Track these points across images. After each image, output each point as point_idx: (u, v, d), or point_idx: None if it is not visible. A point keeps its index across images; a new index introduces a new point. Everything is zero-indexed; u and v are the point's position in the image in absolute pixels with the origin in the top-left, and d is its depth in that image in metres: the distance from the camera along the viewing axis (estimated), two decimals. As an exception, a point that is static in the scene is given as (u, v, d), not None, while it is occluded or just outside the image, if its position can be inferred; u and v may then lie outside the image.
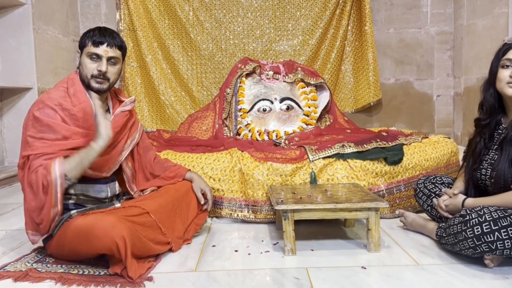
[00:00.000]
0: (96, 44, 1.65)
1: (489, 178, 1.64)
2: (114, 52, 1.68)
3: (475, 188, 1.72)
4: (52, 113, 1.59)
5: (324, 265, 1.60)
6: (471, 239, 1.48)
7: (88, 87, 1.68)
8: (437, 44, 4.08)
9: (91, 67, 1.66)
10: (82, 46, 1.68)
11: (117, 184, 1.84)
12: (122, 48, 1.73)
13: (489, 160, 1.67)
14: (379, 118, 4.13)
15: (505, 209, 1.48)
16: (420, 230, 1.91)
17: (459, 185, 1.79)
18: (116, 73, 1.72)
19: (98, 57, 1.66)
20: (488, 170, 1.65)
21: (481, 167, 1.68)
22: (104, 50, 1.66)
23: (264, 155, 2.24)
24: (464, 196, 1.69)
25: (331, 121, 3.10)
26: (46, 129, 1.57)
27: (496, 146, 1.66)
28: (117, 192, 1.85)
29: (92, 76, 1.66)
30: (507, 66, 1.60)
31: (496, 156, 1.62)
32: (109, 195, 1.78)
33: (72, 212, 1.64)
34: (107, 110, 1.81)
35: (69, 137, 1.59)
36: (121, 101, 1.84)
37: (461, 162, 1.89)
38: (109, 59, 1.67)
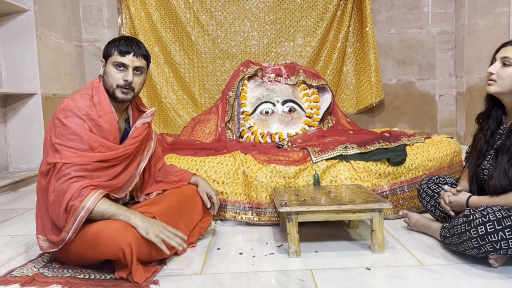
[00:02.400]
0: (123, 53, 1.63)
1: (488, 179, 1.63)
2: (139, 62, 1.67)
3: (478, 184, 1.72)
4: (80, 122, 1.57)
5: (328, 266, 1.61)
6: (475, 239, 1.48)
7: (112, 96, 1.66)
8: (439, 44, 4.09)
9: (117, 77, 1.64)
10: (107, 55, 1.67)
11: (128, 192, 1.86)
12: (147, 57, 1.72)
13: (490, 159, 1.65)
14: (382, 119, 4.14)
15: (509, 208, 1.48)
16: (424, 231, 1.91)
17: (464, 183, 1.79)
18: (141, 83, 1.71)
19: (124, 66, 1.64)
20: (490, 170, 1.63)
21: (483, 166, 1.68)
22: (130, 59, 1.64)
23: (267, 157, 2.25)
24: (469, 194, 1.69)
25: (334, 122, 3.11)
26: (74, 138, 1.55)
27: (493, 150, 1.64)
28: (128, 200, 1.86)
29: (118, 86, 1.64)
30: (492, 63, 1.63)
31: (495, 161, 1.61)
32: (121, 203, 1.78)
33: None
34: (127, 119, 1.79)
35: (95, 148, 1.57)
36: (141, 111, 1.82)
37: (464, 162, 1.88)
38: (134, 68, 1.66)
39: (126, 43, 1.65)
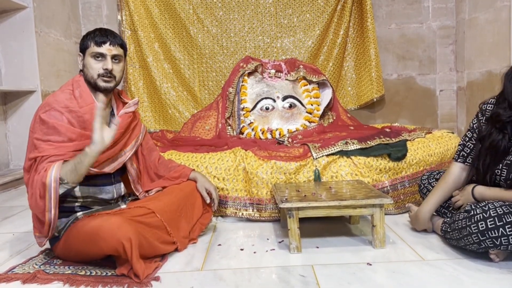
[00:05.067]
0: (99, 43, 1.67)
1: (504, 180, 1.58)
2: (117, 50, 1.70)
3: (490, 185, 1.66)
4: (59, 115, 1.59)
5: (329, 262, 1.61)
6: (475, 235, 1.48)
7: (94, 87, 1.69)
8: (439, 39, 4.07)
9: (96, 67, 1.67)
10: (84, 48, 1.70)
11: (122, 185, 1.86)
12: (123, 46, 1.75)
13: (507, 161, 1.59)
14: (382, 114, 4.13)
15: (510, 204, 1.47)
16: (425, 226, 1.91)
17: (438, 197, 1.79)
18: (121, 71, 1.74)
19: (103, 56, 1.67)
20: (504, 171, 1.58)
21: (504, 167, 1.60)
22: (107, 48, 1.67)
23: (268, 153, 2.25)
24: (471, 187, 1.68)
25: (334, 118, 3.10)
26: (52, 131, 1.57)
27: None
28: (123, 193, 1.86)
29: (99, 76, 1.67)
30: None
31: None
32: (115, 196, 1.79)
33: (78, 214, 1.65)
34: (111, 112, 1.81)
35: (74, 140, 1.59)
36: (124, 103, 1.85)
37: (458, 158, 1.79)
38: (113, 57, 1.69)
39: (101, 34, 1.69)
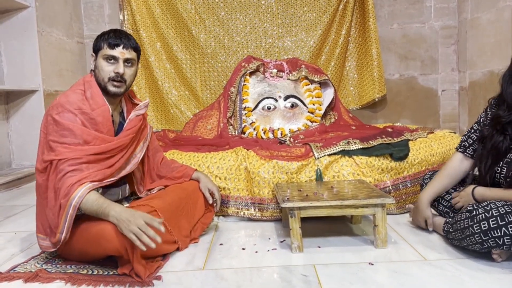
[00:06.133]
0: (112, 46, 1.63)
1: (504, 178, 1.59)
2: (130, 54, 1.67)
3: (491, 184, 1.66)
4: (72, 117, 1.57)
5: (331, 262, 1.61)
6: (478, 235, 1.47)
7: (104, 90, 1.66)
8: (441, 39, 4.06)
9: (108, 70, 1.64)
10: (97, 49, 1.66)
11: (128, 186, 1.85)
12: (137, 49, 1.72)
13: (507, 159, 1.59)
14: (384, 114, 4.12)
15: (512, 204, 1.47)
16: (427, 226, 1.91)
17: (437, 184, 1.80)
18: (132, 75, 1.70)
19: (115, 59, 1.64)
20: (504, 169, 1.59)
21: (503, 165, 1.61)
22: (120, 52, 1.64)
23: (270, 153, 2.25)
24: (471, 188, 1.67)
25: (336, 118, 3.10)
26: (67, 133, 1.55)
27: None
28: (127, 194, 1.86)
29: (109, 79, 1.64)
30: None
31: None
32: (120, 197, 1.79)
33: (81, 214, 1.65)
34: (121, 113, 1.80)
35: (89, 142, 1.57)
36: (134, 104, 1.82)
37: (460, 148, 1.82)
38: (125, 60, 1.66)
39: (115, 36, 1.65)
